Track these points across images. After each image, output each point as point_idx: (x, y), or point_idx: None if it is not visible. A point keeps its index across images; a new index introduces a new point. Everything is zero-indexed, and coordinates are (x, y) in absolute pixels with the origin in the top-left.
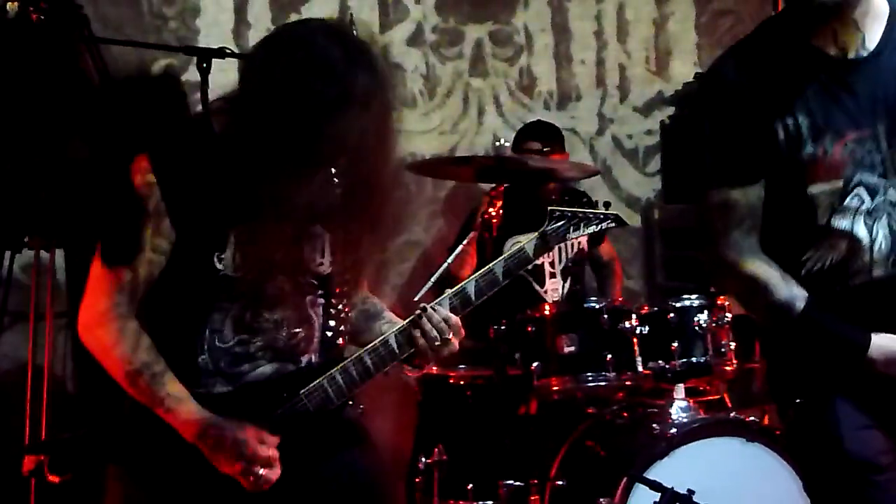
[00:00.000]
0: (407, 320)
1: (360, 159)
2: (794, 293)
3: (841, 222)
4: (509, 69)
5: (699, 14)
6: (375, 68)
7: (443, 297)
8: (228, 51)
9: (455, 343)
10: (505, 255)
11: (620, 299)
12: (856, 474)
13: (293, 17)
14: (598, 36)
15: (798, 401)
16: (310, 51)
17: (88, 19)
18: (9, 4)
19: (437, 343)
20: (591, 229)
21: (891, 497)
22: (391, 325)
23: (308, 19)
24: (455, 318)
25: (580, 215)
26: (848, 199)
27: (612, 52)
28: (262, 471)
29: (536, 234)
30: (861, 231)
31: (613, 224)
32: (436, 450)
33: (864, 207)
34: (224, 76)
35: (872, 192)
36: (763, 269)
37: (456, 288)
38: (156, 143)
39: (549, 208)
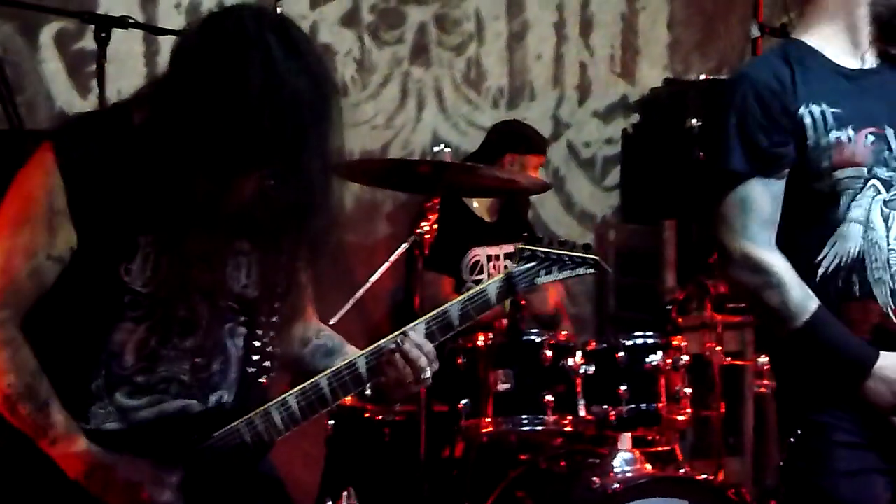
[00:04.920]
0: (357, 355)
1: (299, 167)
2: (808, 294)
3: (857, 212)
4: (455, 59)
5: (673, 11)
6: (324, 73)
7: (412, 326)
8: (132, 21)
9: (429, 377)
10: (464, 296)
11: (565, 333)
12: None
13: None
14: (559, 29)
15: (798, 432)
16: (252, 41)
17: None
18: None
19: (409, 380)
20: (566, 274)
21: None
22: None
23: (250, 6)
24: (430, 347)
25: (554, 257)
26: (865, 189)
27: (574, 47)
28: None
29: (502, 275)
30: (877, 219)
31: (592, 270)
32: (344, 493)
33: (880, 197)
34: (125, 48)
35: (886, 186)
36: (781, 264)
37: (399, 331)
38: (63, 130)
39: (518, 247)
